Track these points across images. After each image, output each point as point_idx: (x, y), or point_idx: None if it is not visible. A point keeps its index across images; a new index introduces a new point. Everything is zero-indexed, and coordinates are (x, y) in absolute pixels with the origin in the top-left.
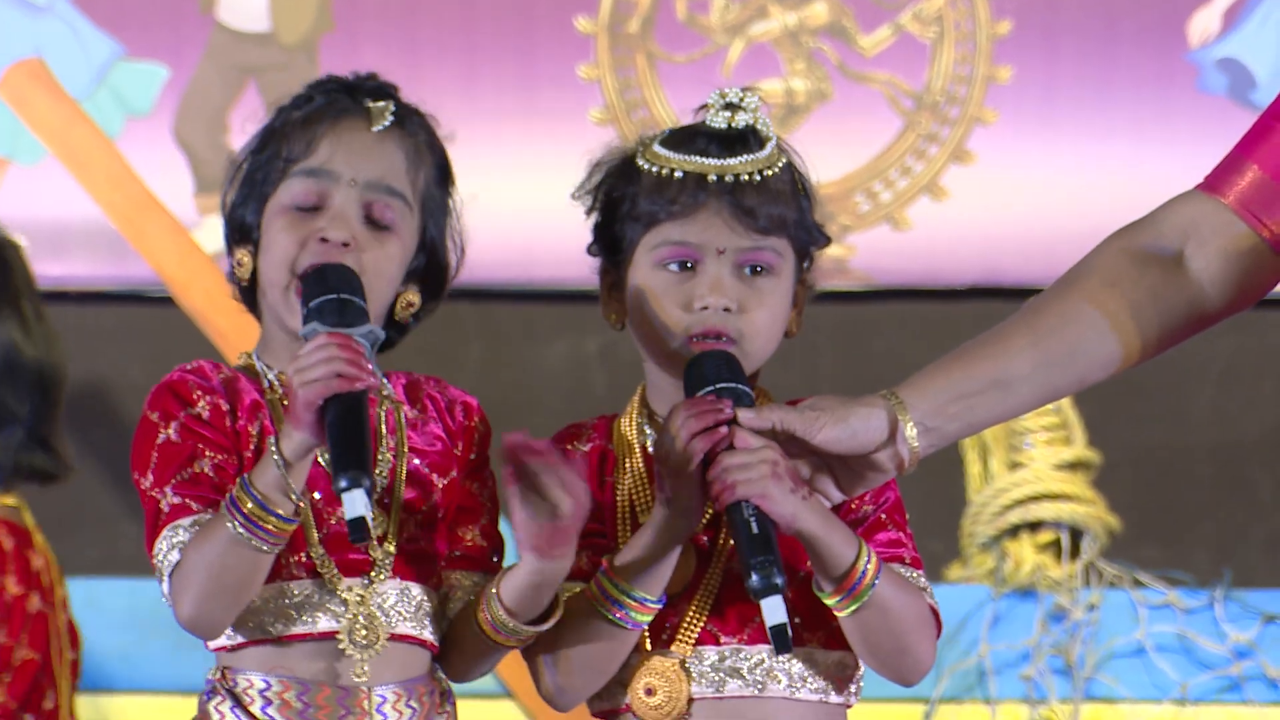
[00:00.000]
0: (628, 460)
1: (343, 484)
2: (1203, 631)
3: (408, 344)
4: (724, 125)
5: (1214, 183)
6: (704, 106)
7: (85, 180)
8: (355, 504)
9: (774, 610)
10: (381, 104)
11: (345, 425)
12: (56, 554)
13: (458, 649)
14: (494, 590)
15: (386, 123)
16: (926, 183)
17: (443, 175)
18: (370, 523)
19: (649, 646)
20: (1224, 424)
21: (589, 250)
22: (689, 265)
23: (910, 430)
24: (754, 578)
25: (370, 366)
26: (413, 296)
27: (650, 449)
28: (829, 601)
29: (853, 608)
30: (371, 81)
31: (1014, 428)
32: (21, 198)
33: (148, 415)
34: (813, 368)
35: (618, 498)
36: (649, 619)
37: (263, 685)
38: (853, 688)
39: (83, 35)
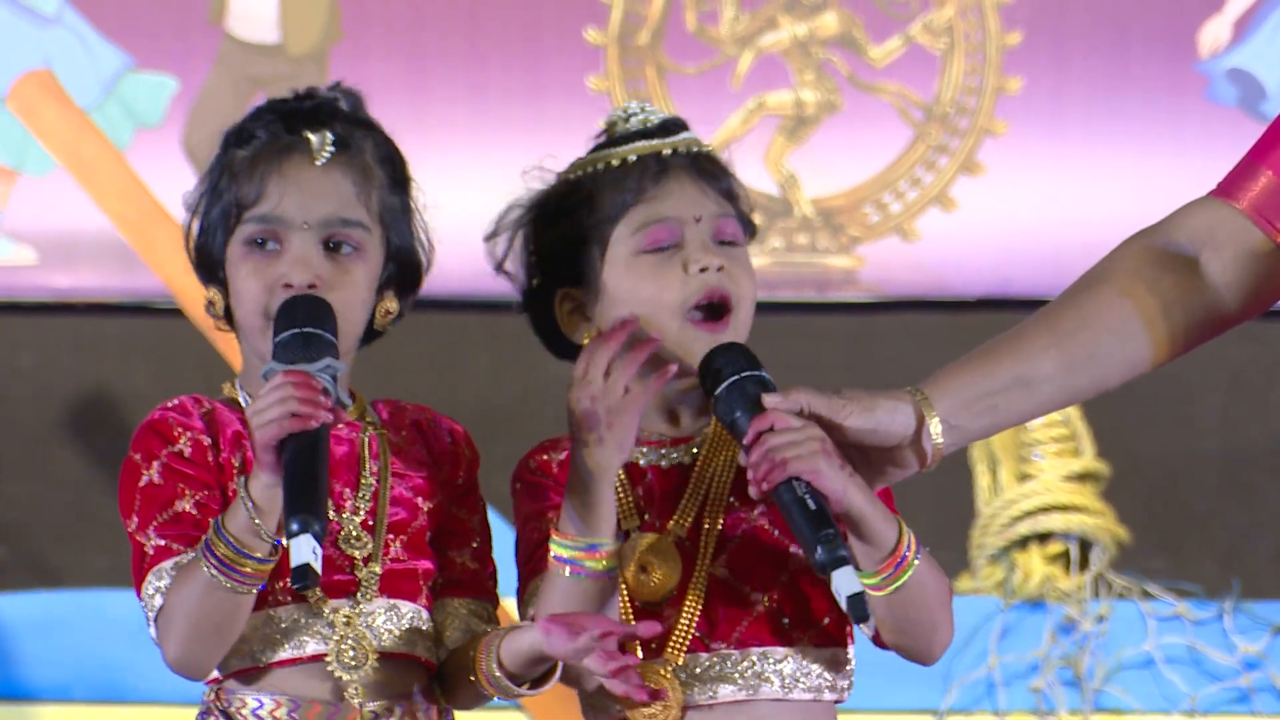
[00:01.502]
0: None
1: (293, 528)
2: (1212, 643)
3: (416, 353)
4: (641, 124)
5: (1228, 188)
6: (607, 123)
7: (94, 192)
8: (301, 550)
9: (847, 580)
10: (319, 136)
11: (298, 468)
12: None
13: (456, 684)
14: (495, 646)
15: (328, 154)
16: (936, 194)
17: (397, 182)
18: (317, 568)
19: (640, 655)
20: (1232, 434)
21: (526, 296)
22: (668, 246)
23: (935, 427)
24: (820, 552)
25: (328, 402)
26: (390, 304)
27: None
28: (871, 581)
29: (895, 585)
30: (309, 103)
31: (1023, 439)
32: (31, 209)
33: (131, 456)
34: (822, 378)
35: None
36: (606, 565)
37: (255, 704)
38: (844, 683)
39: (92, 46)
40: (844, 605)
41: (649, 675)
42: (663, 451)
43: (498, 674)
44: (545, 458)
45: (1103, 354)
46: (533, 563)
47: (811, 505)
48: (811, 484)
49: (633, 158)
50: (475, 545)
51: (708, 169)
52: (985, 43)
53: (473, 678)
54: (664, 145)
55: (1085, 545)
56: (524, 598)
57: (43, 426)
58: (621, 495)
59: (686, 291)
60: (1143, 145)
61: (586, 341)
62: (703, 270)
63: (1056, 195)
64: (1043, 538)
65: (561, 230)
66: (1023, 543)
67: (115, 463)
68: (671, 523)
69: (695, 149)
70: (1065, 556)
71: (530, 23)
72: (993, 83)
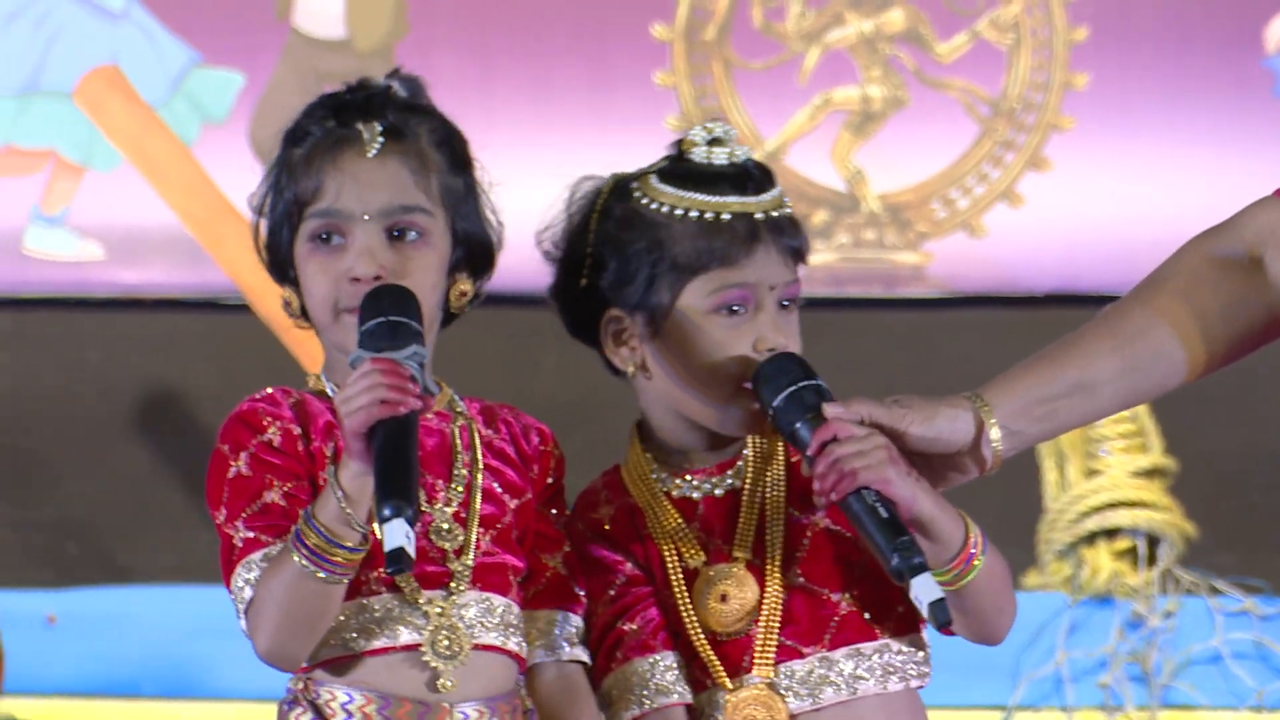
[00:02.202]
0: (657, 509)
1: (386, 513)
2: (1279, 638)
3: (486, 349)
4: (726, 161)
5: None
6: (687, 143)
7: (161, 187)
8: (395, 534)
9: (927, 587)
10: (368, 128)
11: (388, 453)
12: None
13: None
14: None
15: (379, 145)
16: (1003, 190)
17: (457, 164)
18: (411, 552)
19: (729, 685)
20: None
21: (567, 290)
22: (742, 309)
23: (995, 433)
24: (896, 559)
25: (416, 389)
26: (464, 286)
27: (673, 491)
28: (942, 578)
29: (965, 580)
30: (360, 94)
31: (1090, 435)
32: (98, 205)
33: (219, 448)
34: (889, 374)
35: (663, 550)
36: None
37: (345, 699)
38: (927, 667)
39: (159, 42)
40: (925, 612)
41: (745, 696)
42: (714, 480)
43: None
44: (595, 516)
45: (1164, 356)
46: (604, 652)
47: (883, 514)
48: (881, 492)
49: (726, 216)
50: (566, 549)
51: (789, 233)
52: (1052, 38)
53: None
54: (757, 208)
55: (1153, 541)
56: (600, 691)
57: (110, 423)
58: (680, 533)
59: (747, 366)
60: (1210, 140)
61: (632, 372)
62: (770, 350)
63: (1124, 190)
64: (1110, 533)
65: (629, 253)
66: (1090, 539)
67: (183, 459)
68: (735, 549)
69: (780, 212)
70: (1133, 552)
71: (597, 18)
72: (1059, 78)
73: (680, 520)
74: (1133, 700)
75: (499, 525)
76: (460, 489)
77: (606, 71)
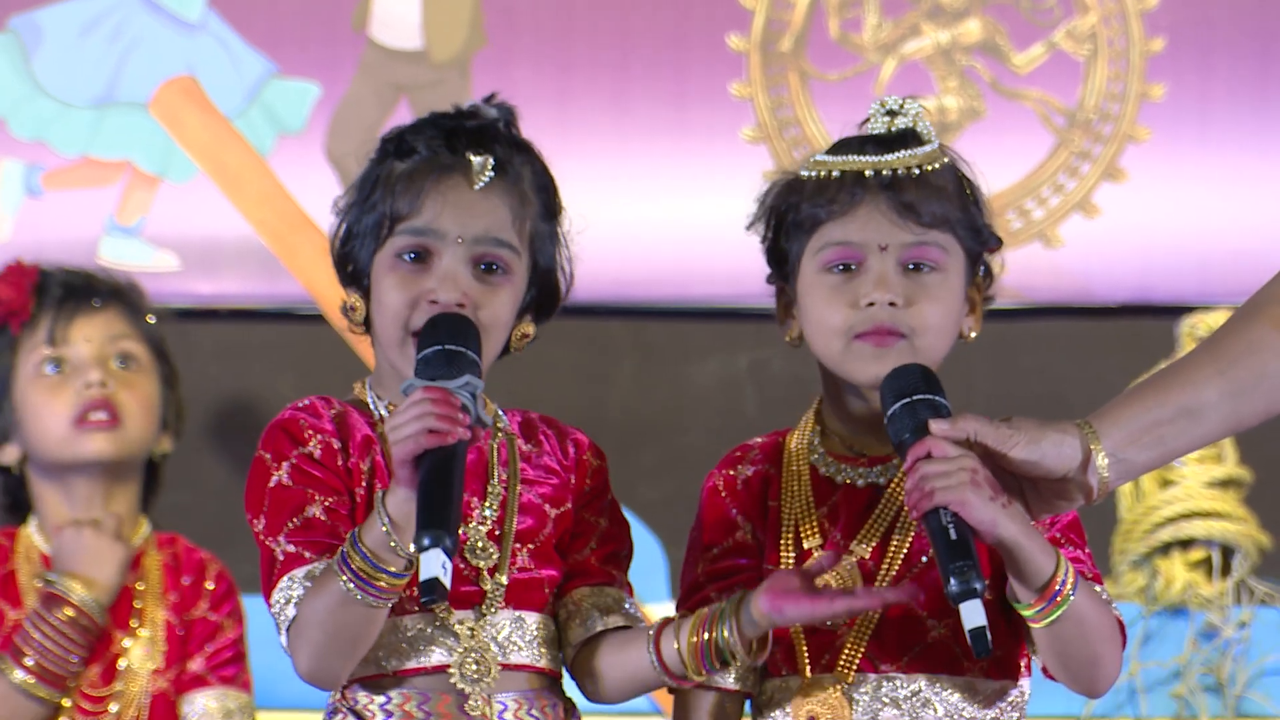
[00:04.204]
0: (795, 483)
1: (425, 542)
2: None
3: (563, 361)
4: (884, 129)
5: None
6: (871, 115)
7: (237, 198)
8: (431, 564)
9: (973, 613)
10: (481, 159)
11: (432, 483)
12: None
13: (614, 673)
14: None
15: (488, 178)
16: (1079, 200)
17: (549, 210)
18: (446, 583)
19: (809, 673)
20: None
21: (768, 279)
22: (852, 266)
23: (1101, 460)
24: (952, 583)
25: (467, 419)
26: (528, 328)
27: (820, 468)
28: (1027, 612)
29: (1051, 618)
30: (472, 123)
31: None
32: (173, 215)
33: (260, 455)
34: (965, 385)
35: (783, 519)
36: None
37: (383, 699)
38: (1014, 715)
39: (235, 53)
40: (968, 639)
41: (816, 692)
42: (859, 470)
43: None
44: (731, 473)
45: (1269, 378)
46: (686, 609)
47: (953, 535)
48: (958, 514)
49: (836, 173)
50: (593, 545)
51: (908, 197)
52: (1128, 49)
53: (639, 660)
54: (869, 165)
55: (1227, 552)
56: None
57: (187, 434)
58: (805, 513)
59: (853, 320)
60: None
61: (789, 339)
62: (871, 304)
63: (1200, 202)
64: (1185, 544)
65: (779, 221)
66: (1165, 549)
67: None
68: (855, 543)
69: (904, 170)
70: (1207, 563)
71: (673, 29)
72: (1136, 89)
73: (811, 499)
74: (1207, 711)
75: (539, 539)
76: (496, 506)
77: (682, 83)
